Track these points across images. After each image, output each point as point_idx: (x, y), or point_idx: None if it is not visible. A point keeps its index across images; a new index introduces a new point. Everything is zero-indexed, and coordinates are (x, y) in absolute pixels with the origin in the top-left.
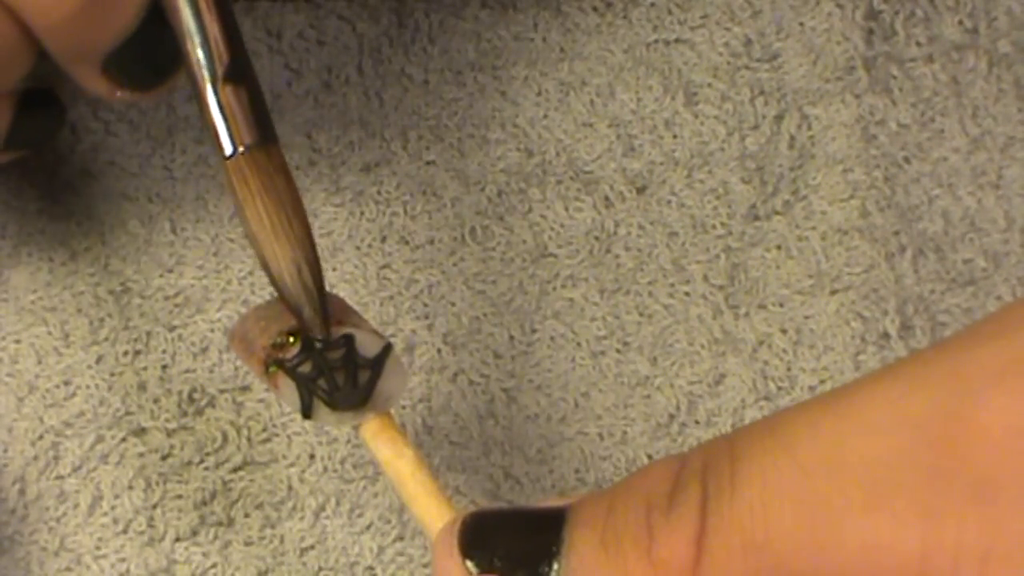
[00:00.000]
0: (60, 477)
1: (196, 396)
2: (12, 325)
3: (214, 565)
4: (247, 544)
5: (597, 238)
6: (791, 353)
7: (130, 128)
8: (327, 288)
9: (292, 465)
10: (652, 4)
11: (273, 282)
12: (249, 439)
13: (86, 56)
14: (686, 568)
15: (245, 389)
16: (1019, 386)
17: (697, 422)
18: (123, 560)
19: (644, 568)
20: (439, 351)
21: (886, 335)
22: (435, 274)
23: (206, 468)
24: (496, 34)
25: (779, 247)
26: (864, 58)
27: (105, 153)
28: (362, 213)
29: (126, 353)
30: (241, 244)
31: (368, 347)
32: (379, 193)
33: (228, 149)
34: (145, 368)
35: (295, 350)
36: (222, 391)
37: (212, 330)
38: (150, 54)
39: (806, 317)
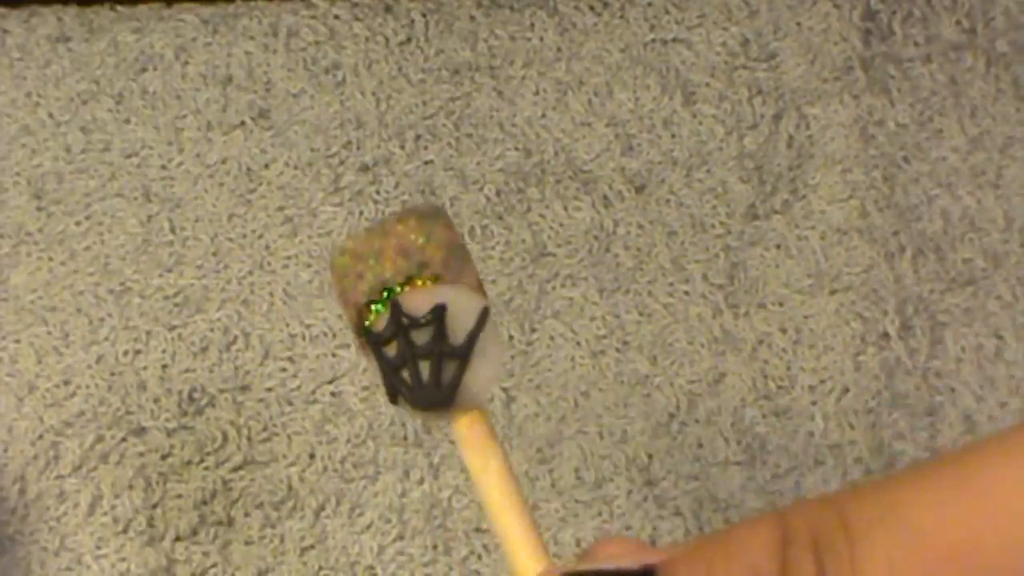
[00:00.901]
0: (60, 477)
1: (196, 396)
2: (12, 325)
3: (214, 565)
4: (247, 543)
5: (596, 237)
6: (791, 352)
7: (129, 128)
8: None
9: (292, 465)
10: (649, 4)
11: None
12: (249, 439)
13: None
14: None
15: (245, 389)
16: None
17: (697, 421)
18: (123, 560)
19: None
20: None
21: (886, 335)
22: None
23: (206, 468)
24: (493, 34)
25: (778, 246)
26: (862, 58)
27: (104, 153)
28: (361, 212)
29: (126, 353)
30: (240, 244)
31: (463, 317)
32: (378, 192)
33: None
34: (145, 368)
35: (384, 321)
36: (222, 391)
37: (212, 330)
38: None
39: (806, 316)
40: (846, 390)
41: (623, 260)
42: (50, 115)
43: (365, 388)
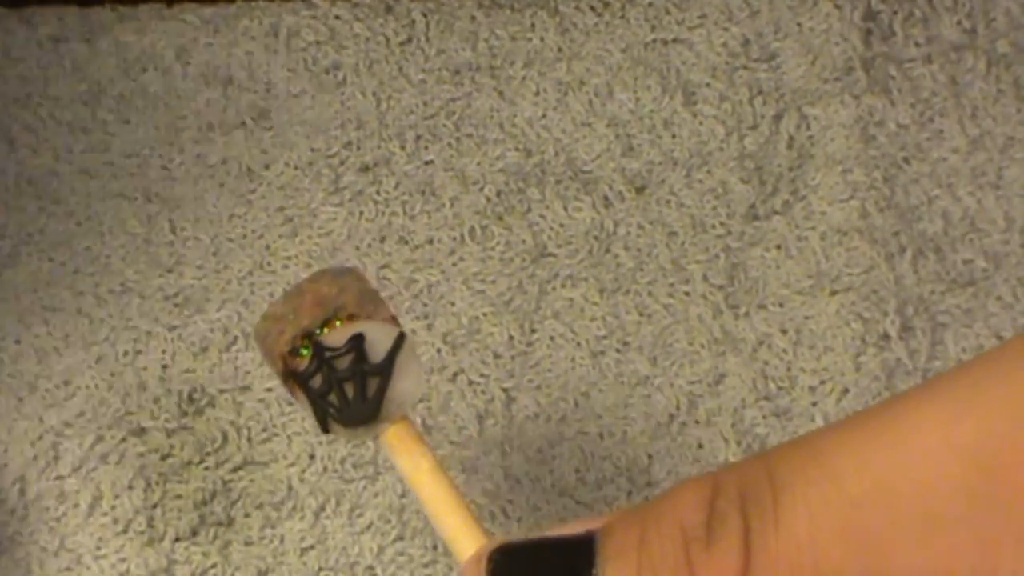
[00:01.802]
0: (60, 477)
1: (196, 396)
2: (12, 325)
3: (214, 565)
4: (247, 544)
5: (596, 238)
6: (791, 353)
7: (129, 128)
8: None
9: (292, 465)
10: (650, 4)
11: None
12: (249, 439)
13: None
14: None
15: (245, 389)
16: None
17: (697, 422)
18: (123, 560)
19: None
20: (439, 351)
21: (886, 336)
22: (434, 274)
23: (206, 468)
24: (494, 34)
25: (779, 247)
26: (863, 59)
27: (104, 153)
28: (361, 213)
29: (126, 353)
30: (240, 244)
31: (380, 342)
32: (378, 193)
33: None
34: (145, 368)
35: (307, 361)
36: (222, 391)
37: (212, 330)
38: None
39: (806, 317)
40: (846, 391)
41: (623, 260)
42: (51, 115)
43: None
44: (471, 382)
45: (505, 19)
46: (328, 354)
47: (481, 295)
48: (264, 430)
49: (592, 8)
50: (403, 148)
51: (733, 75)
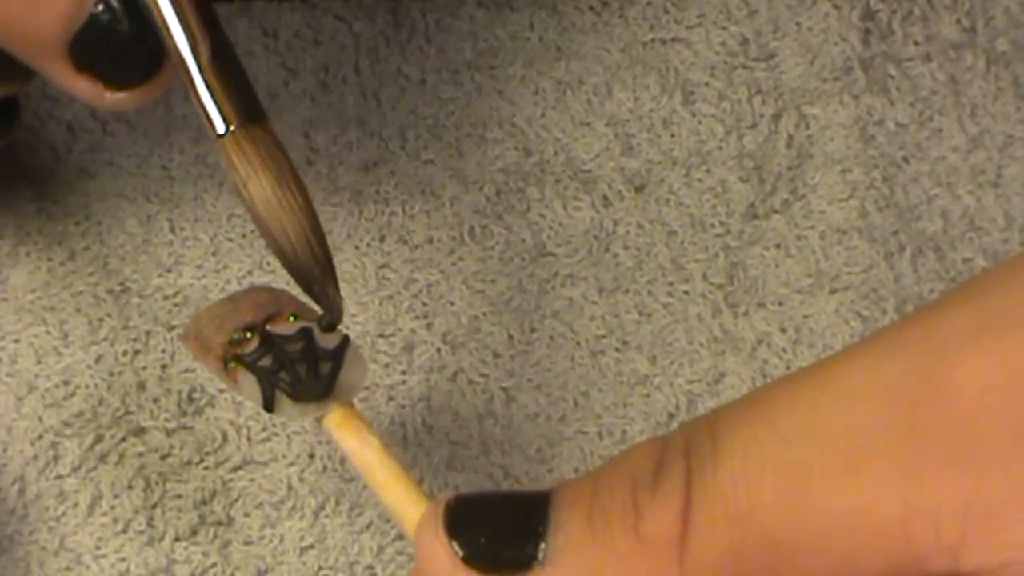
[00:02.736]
0: (60, 477)
1: (196, 395)
2: (11, 325)
3: (214, 565)
4: (247, 543)
5: (596, 237)
6: (790, 352)
7: (128, 128)
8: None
9: (292, 464)
10: (648, 3)
11: (283, 256)
12: (249, 438)
13: (42, 46)
14: (673, 542)
15: None
16: (992, 345)
17: None
18: (123, 560)
19: (631, 544)
20: (438, 350)
21: None
22: (434, 273)
23: (206, 467)
24: (493, 33)
25: (778, 246)
26: (861, 58)
27: (103, 153)
28: (360, 212)
29: (125, 353)
30: (240, 244)
31: (327, 340)
32: (377, 193)
33: (221, 128)
34: (144, 368)
35: (254, 345)
36: (222, 390)
37: None
38: (124, 46)
39: (805, 316)
40: None
41: (623, 260)
42: (51, 115)
43: (365, 388)
44: (471, 382)
45: (504, 18)
46: (278, 339)
47: (481, 294)
48: (264, 430)
49: (591, 7)
50: (403, 148)
51: (732, 74)
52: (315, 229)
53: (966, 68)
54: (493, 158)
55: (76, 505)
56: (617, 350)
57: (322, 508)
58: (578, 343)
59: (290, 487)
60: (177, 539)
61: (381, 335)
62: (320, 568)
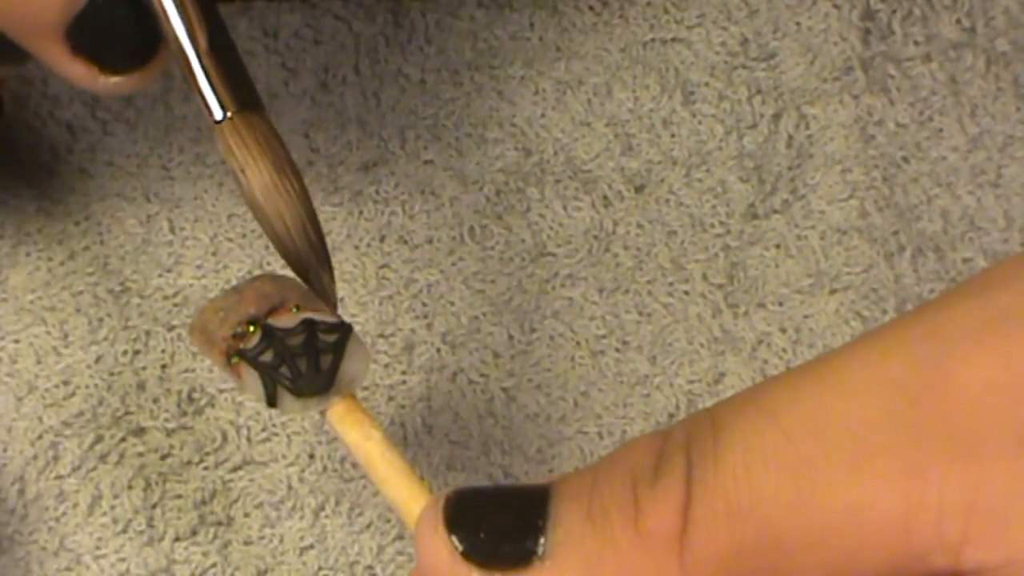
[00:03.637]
0: (60, 477)
1: (196, 396)
2: (11, 325)
3: (214, 565)
4: (247, 544)
5: (596, 237)
6: (790, 352)
7: (128, 128)
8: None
9: (292, 464)
10: (648, 3)
11: (279, 243)
12: (249, 438)
13: (40, 27)
14: (673, 537)
15: None
16: (996, 342)
17: None
18: (123, 560)
19: (631, 538)
20: (438, 350)
21: None
22: (434, 273)
23: (206, 468)
24: (493, 33)
25: (778, 246)
26: (861, 58)
27: (103, 153)
28: (360, 213)
29: (125, 353)
30: (240, 244)
31: (328, 332)
32: (377, 193)
33: (218, 114)
34: (144, 368)
35: (256, 339)
36: (222, 390)
37: None
38: (121, 31)
39: (805, 316)
40: None
41: (623, 260)
42: (51, 115)
43: (365, 388)
44: (471, 382)
45: (504, 18)
46: (279, 333)
47: (481, 294)
48: (264, 430)
49: (591, 7)
50: (403, 148)
51: (732, 74)
52: (311, 216)
53: (966, 68)
54: (493, 158)
55: (76, 505)
56: (617, 350)
57: (322, 508)
58: (578, 343)
59: (290, 487)
60: (177, 539)
61: (381, 335)
62: (320, 568)
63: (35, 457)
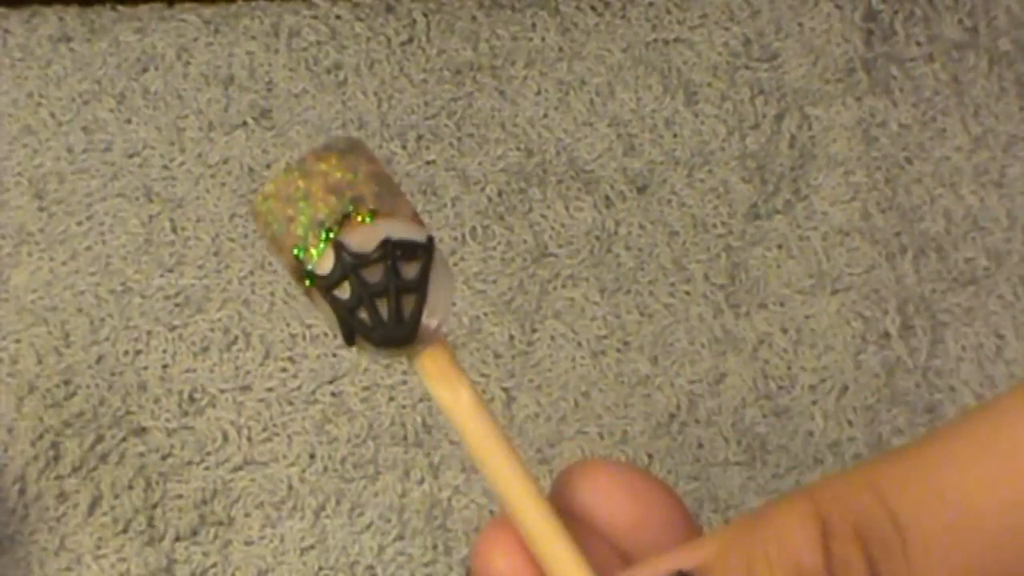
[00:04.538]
0: (60, 477)
1: (196, 396)
2: (13, 325)
3: (214, 564)
4: (247, 543)
5: (598, 238)
6: (792, 352)
7: (130, 128)
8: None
9: (292, 464)
10: (650, 3)
11: None
12: (249, 438)
13: None
14: None
15: (245, 388)
16: None
17: (697, 421)
18: (123, 560)
19: None
20: None
21: (887, 334)
22: None
23: (206, 468)
24: (494, 34)
25: (780, 247)
26: (864, 60)
27: (105, 153)
28: None
29: (126, 353)
30: (241, 244)
31: (410, 250)
32: None
33: None
34: (145, 368)
35: (329, 262)
36: (223, 391)
37: (212, 330)
38: None
39: (807, 316)
40: (846, 388)
41: (624, 260)
42: (51, 115)
43: (365, 388)
44: (471, 382)
45: (506, 19)
46: (354, 260)
47: (482, 295)
48: (264, 430)
49: (593, 8)
50: (404, 148)
51: (734, 75)
52: None
53: (969, 68)
54: (495, 158)
55: (76, 505)
56: (618, 350)
57: (322, 508)
58: (579, 343)
59: (290, 487)
60: (177, 539)
61: None
62: (320, 568)
63: (36, 457)
